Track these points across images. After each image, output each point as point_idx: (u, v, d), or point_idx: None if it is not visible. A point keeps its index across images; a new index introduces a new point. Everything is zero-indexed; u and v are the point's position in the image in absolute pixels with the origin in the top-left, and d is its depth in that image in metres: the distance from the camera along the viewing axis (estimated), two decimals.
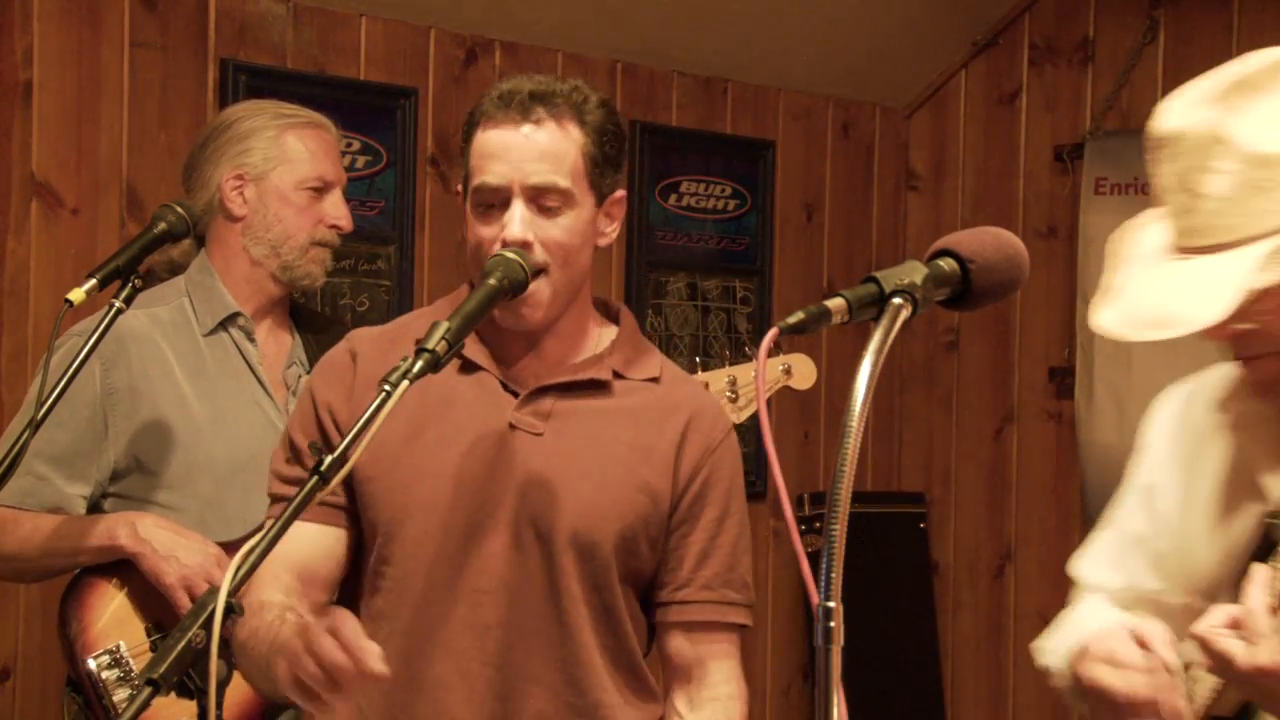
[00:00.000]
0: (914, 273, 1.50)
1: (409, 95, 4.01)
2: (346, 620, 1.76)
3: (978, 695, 5.00)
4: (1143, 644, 1.80)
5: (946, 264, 1.53)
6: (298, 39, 3.83)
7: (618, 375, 2.15)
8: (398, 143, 3.99)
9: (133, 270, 2.44)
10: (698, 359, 3.34)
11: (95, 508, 2.69)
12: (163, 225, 2.50)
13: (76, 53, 3.47)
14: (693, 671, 2.17)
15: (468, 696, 2.06)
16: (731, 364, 3.06)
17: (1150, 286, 1.80)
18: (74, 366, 2.38)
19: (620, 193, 2.15)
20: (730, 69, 4.68)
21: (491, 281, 1.96)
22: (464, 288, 2.14)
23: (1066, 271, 4.78)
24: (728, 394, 2.97)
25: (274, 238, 2.75)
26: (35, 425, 2.33)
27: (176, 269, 2.82)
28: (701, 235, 4.67)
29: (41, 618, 3.32)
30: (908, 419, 5.20)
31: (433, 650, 2.06)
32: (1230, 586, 1.85)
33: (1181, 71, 2.14)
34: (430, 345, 1.83)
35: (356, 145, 3.89)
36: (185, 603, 2.54)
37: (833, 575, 1.35)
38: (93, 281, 2.39)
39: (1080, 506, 4.73)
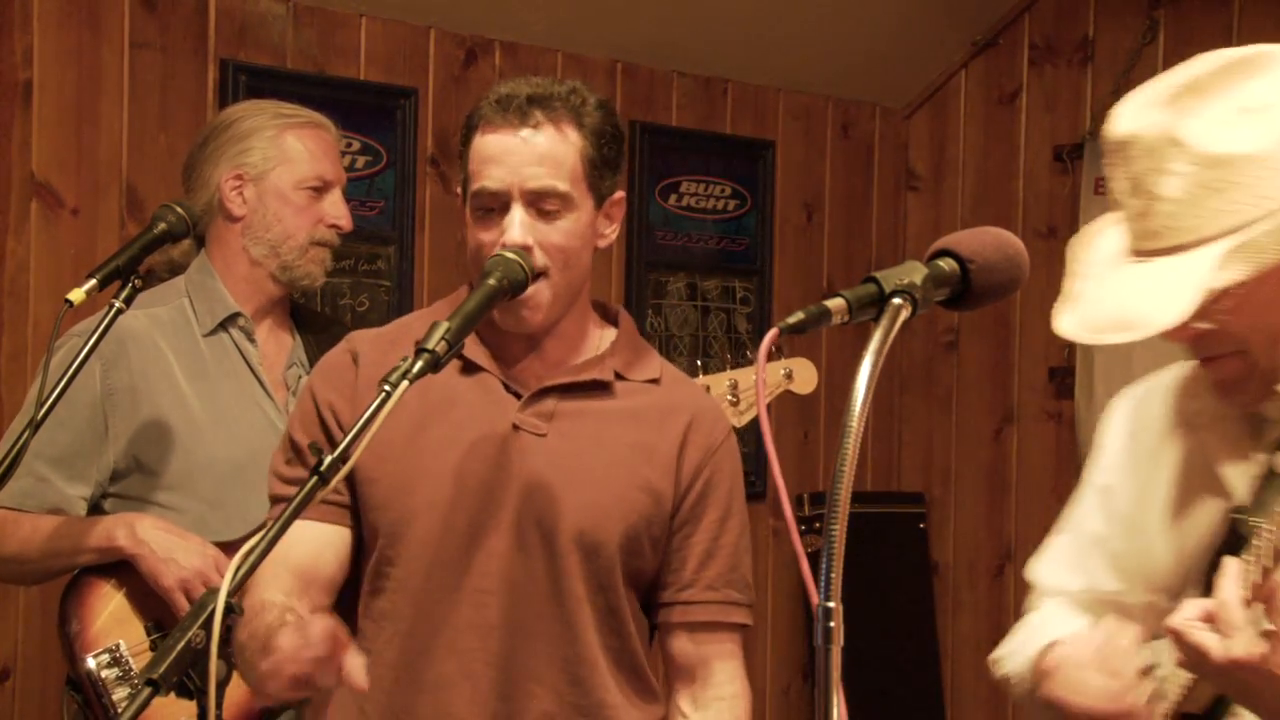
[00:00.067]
0: (914, 273, 1.50)
1: (409, 95, 4.01)
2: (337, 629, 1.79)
3: (978, 695, 5.00)
4: (1108, 658, 1.80)
5: (946, 264, 1.53)
6: (298, 39, 3.83)
7: (619, 376, 2.15)
8: (397, 143, 3.99)
9: (133, 270, 2.44)
10: (698, 361, 3.33)
11: (95, 508, 2.68)
12: (162, 225, 2.50)
13: (76, 53, 3.47)
14: (697, 672, 2.17)
15: (471, 697, 2.06)
16: (732, 367, 3.06)
17: (1110, 290, 1.81)
18: (74, 367, 2.38)
19: (619, 194, 2.15)
20: (730, 69, 4.67)
21: (491, 281, 1.96)
22: (464, 289, 2.14)
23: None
24: (729, 397, 2.97)
25: (274, 237, 2.75)
26: (35, 426, 2.33)
27: (176, 269, 2.81)
28: (701, 235, 4.67)
29: (41, 617, 3.31)
30: (907, 419, 5.20)
31: (436, 650, 2.06)
32: (1193, 584, 1.85)
33: None
34: (430, 345, 1.83)
35: (356, 145, 3.89)
36: (183, 605, 2.54)
37: (832, 575, 1.35)
38: (93, 282, 2.39)
39: None
